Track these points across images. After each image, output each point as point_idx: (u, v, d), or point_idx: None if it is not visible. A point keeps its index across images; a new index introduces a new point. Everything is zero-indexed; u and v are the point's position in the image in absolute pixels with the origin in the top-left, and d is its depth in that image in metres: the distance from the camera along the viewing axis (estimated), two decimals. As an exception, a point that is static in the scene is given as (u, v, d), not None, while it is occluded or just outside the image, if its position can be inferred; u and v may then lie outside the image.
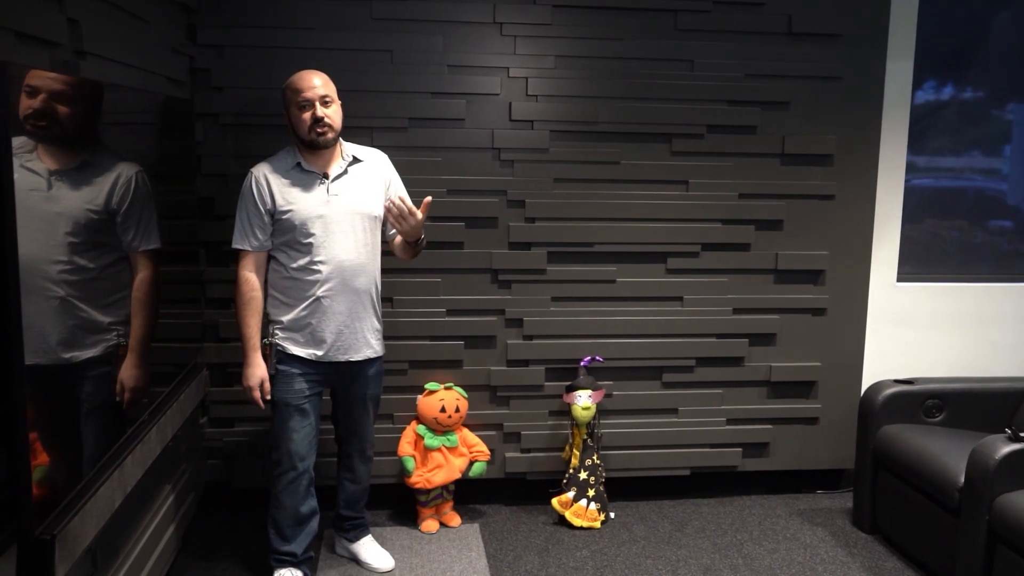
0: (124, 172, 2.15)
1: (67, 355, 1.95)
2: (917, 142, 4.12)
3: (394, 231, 3.10)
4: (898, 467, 3.37)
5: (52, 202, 1.81)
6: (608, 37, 3.58)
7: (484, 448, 3.62)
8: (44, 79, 1.78)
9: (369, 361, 3.05)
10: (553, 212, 3.64)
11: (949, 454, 3.15)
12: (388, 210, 2.95)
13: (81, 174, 1.97)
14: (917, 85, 4.04)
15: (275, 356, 2.93)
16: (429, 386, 3.56)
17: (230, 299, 3.48)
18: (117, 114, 2.36)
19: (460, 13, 3.49)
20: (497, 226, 3.63)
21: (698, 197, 3.72)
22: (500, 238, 3.64)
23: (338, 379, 3.04)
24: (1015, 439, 2.85)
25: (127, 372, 2.21)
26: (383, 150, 3.17)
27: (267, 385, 2.91)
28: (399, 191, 3.12)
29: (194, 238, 3.36)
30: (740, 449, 3.91)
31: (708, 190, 3.72)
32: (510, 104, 3.56)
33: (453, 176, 3.56)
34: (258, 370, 2.89)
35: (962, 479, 2.98)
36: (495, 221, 3.63)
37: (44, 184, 1.75)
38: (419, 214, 2.91)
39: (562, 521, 3.64)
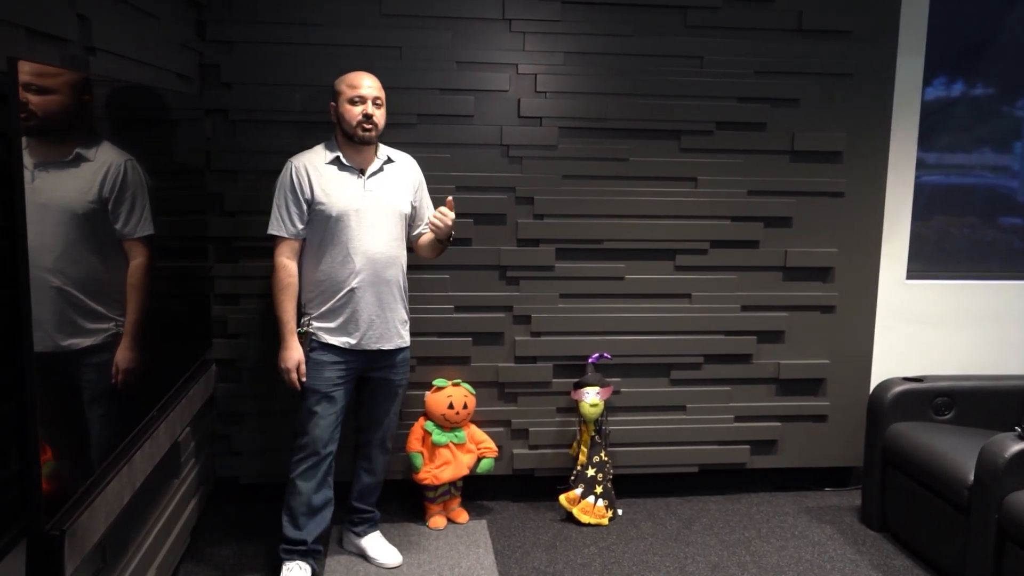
0: (115, 161, 2.18)
1: (69, 345, 1.96)
2: (927, 139, 4.10)
3: (418, 232, 3.23)
4: (907, 465, 3.36)
5: (47, 193, 1.80)
6: (617, 34, 3.57)
7: (492, 444, 3.62)
8: (37, 73, 1.77)
9: (399, 350, 3.16)
10: (562, 209, 3.64)
11: (958, 452, 3.14)
12: (433, 223, 3.03)
13: (75, 166, 1.97)
14: (927, 81, 4.02)
15: (309, 344, 3.02)
16: (437, 382, 3.56)
17: (239, 295, 3.50)
18: (126, 110, 2.36)
19: (469, 9, 3.49)
20: (505, 223, 3.63)
21: (707, 194, 3.71)
22: (508, 235, 3.64)
23: (369, 367, 3.12)
24: (1025, 438, 2.84)
25: (121, 355, 2.24)
26: (392, 147, 3.19)
27: (303, 367, 3.00)
28: (425, 195, 3.26)
29: (203, 234, 3.37)
30: (748, 446, 3.91)
31: (717, 187, 3.72)
32: (519, 100, 3.56)
33: (462, 173, 3.56)
34: (295, 352, 2.99)
35: (971, 477, 2.97)
36: (503, 218, 3.63)
37: (37, 176, 1.75)
38: (451, 213, 3.03)
39: (570, 518, 3.64)
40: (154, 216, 2.49)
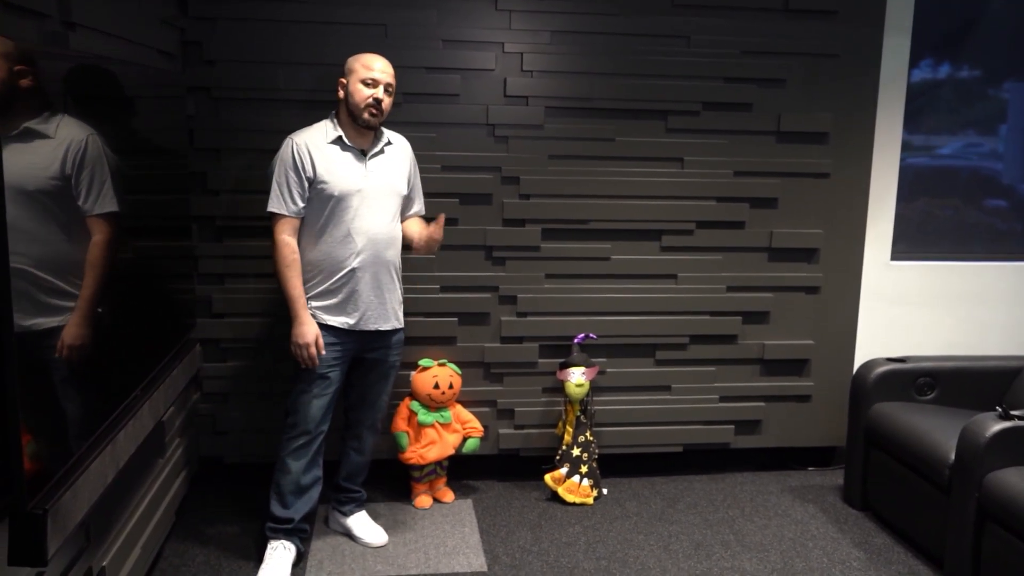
0: (75, 136, 2.12)
1: (46, 324, 1.94)
2: (913, 120, 4.11)
3: (410, 213, 3.25)
4: (889, 444, 3.39)
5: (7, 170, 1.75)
6: (604, 13, 3.55)
7: (478, 424, 3.63)
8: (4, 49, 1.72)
9: (395, 331, 3.16)
10: (547, 189, 3.63)
11: (940, 432, 3.17)
12: (424, 237, 3.10)
13: (27, 141, 1.91)
14: (913, 63, 4.02)
15: None
16: (423, 362, 3.56)
17: (224, 274, 3.49)
18: (106, 87, 2.34)
19: (455, -13, 3.46)
20: (491, 203, 3.62)
21: (693, 175, 3.71)
22: (494, 215, 3.63)
23: (365, 348, 3.11)
24: (1005, 417, 2.87)
25: (69, 331, 2.16)
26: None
27: (321, 341, 2.96)
28: (417, 181, 3.27)
29: (186, 212, 3.34)
30: (732, 426, 3.93)
31: (703, 167, 3.71)
32: (505, 80, 3.54)
33: (447, 152, 3.54)
34: (312, 327, 2.95)
35: (953, 456, 3.00)
36: (489, 198, 3.62)
37: None
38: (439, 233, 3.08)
39: (555, 497, 3.66)
40: (129, 193, 2.44)
